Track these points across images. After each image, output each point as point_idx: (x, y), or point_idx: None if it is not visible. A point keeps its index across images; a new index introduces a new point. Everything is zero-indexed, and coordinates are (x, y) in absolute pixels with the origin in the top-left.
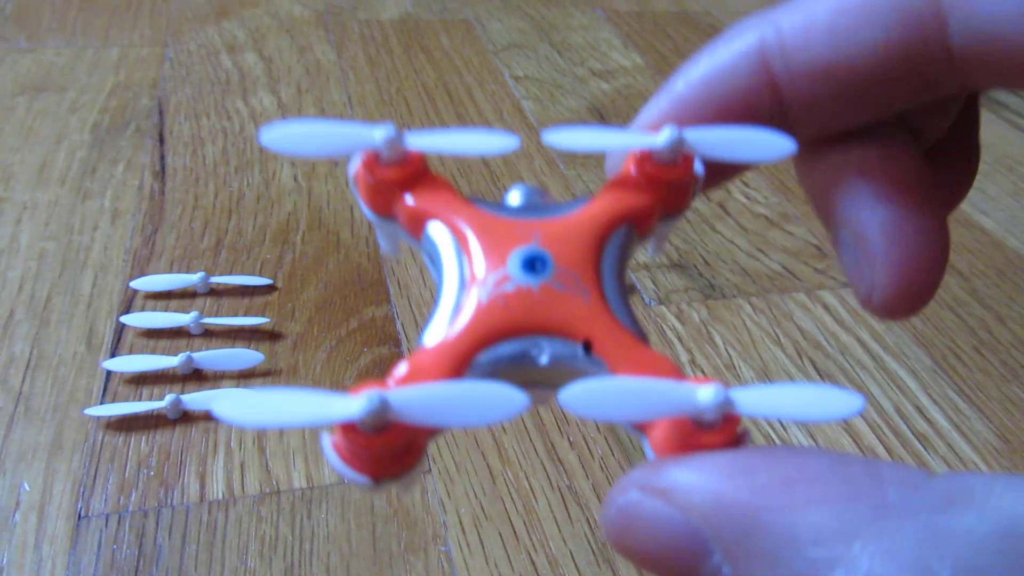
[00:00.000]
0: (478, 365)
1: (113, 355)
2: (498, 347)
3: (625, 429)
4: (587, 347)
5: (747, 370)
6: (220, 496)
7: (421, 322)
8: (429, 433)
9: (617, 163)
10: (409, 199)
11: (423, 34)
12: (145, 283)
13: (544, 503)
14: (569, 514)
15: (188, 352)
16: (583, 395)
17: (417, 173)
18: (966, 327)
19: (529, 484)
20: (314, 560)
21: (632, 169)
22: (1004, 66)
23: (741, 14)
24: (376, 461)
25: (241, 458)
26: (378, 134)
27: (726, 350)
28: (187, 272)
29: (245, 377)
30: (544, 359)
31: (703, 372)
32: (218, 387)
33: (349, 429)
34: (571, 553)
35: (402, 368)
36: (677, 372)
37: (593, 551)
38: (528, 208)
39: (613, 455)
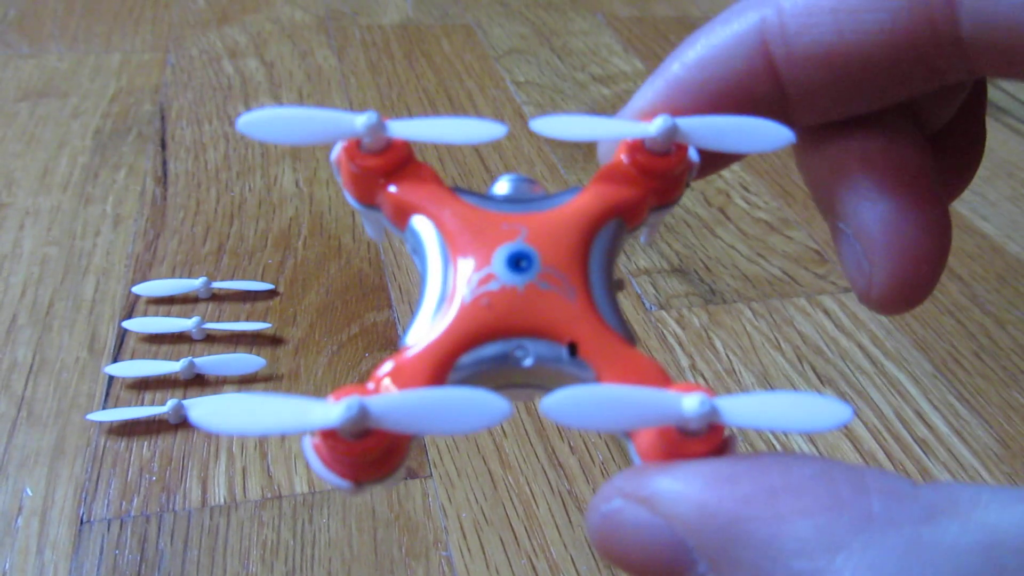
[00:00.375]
0: (461, 367)
1: (115, 360)
2: (481, 349)
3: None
4: (572, 349)
5: (747, 375)
6: (222, 501)
7: None
8: (411, 436)
9: (610, 150)
10: (393, 189)
11: (424, 39)
12: (147, 288)
13: (545, 508)
14: (570, 519)
15: (190, 357)
16: (565, 404)
17: (401, 161)
18: (966, 332)
19: (530, 489)
20: (315, 565)
21: (623, 158)
22: (1016, 55)
23: None
24: (357, 466)
25: (243, 463)
26: (359, 121)
27: (727, 355)
28: (189, 277)
29: (247, 382)
30: (528, 361)
31: (703, 377)
32: (220, 392)
33: (329, 435)
34: (572, 558)
35: (385, 368)
36: (663, 376)
37: (594, 556)
38: (515, 200)
39: (614, 460)
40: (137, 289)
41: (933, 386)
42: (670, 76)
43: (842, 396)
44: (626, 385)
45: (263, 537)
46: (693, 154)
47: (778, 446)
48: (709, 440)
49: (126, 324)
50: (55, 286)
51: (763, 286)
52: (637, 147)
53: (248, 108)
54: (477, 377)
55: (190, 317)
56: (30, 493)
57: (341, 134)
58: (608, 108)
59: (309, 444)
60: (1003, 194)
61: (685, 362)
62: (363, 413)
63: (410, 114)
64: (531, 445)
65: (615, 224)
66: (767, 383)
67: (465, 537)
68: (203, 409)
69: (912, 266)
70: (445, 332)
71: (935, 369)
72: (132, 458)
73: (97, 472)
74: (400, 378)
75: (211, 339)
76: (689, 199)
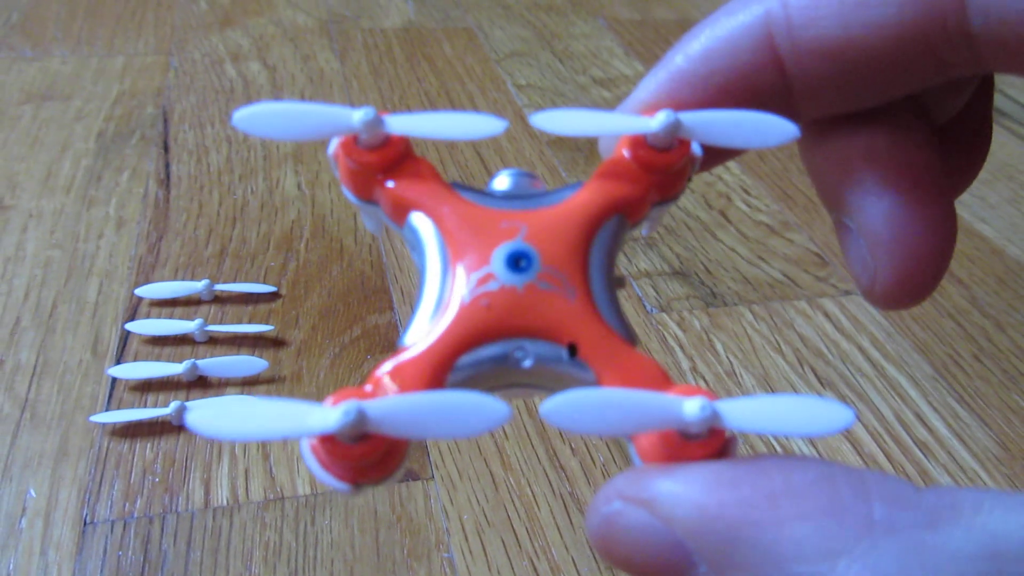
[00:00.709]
0: (460, 368)
1: (118, 362)
2: (480, 350)
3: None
4: (572, 350)
5: (748, 378)
6: (224, 502)
7: None
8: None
9: (611, 145)
10: (390, 185)
11: (426, 42)
12: (150, 291)
13: (546, 510)
14: (571, 521)
15: (193, 359)
16: (565, 409)
17: (399, 157)
18: (966, 335)
19: (531, 491)
20: (318, 566)
21: (625, 153)
22: None
23: None
24: (355, 469)
25: (245, 465)
26: (356, 116)
27: (727, 358)
28: (192, 280)
29: (249, 384)
30: (528, 362)
31: (704, 379)
32: (222, 394)
33: (327, 439)
34: (573, 560)
35: (384, 370)
36: (664, 377)
37: (595, 558)
38: (515, 196)
39: (615, 462)
40: (140, 291)
41: (933, 388)
42: (673, 68)
43: (842, 398)
44: (626, 388)
45: (266, 538)
46: (696, 148)
47: (778, 448)
48: (710, 443)
49: (129, 326)
50: (58, 288)
51: (764, 289)
52: (639, 142)
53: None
54: (476, 378)
55: (193, 319)
56: (34, 494)
57: (338, 129)
58: None
59: (307, 446)
60: (1003, 197)
61: (686, 364)
62: (361, 417)
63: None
64: (532, 447)
65: (616, 221)
66: (767, 385)
67: (467, 539)
68: (199, 414)
69: (916, 262)
70: (444, 333)
71: (935, 371)
72: (135, 459)
73: (100, 473)
74: (399, 380)
75: (214, 341)
76: (690, 202)
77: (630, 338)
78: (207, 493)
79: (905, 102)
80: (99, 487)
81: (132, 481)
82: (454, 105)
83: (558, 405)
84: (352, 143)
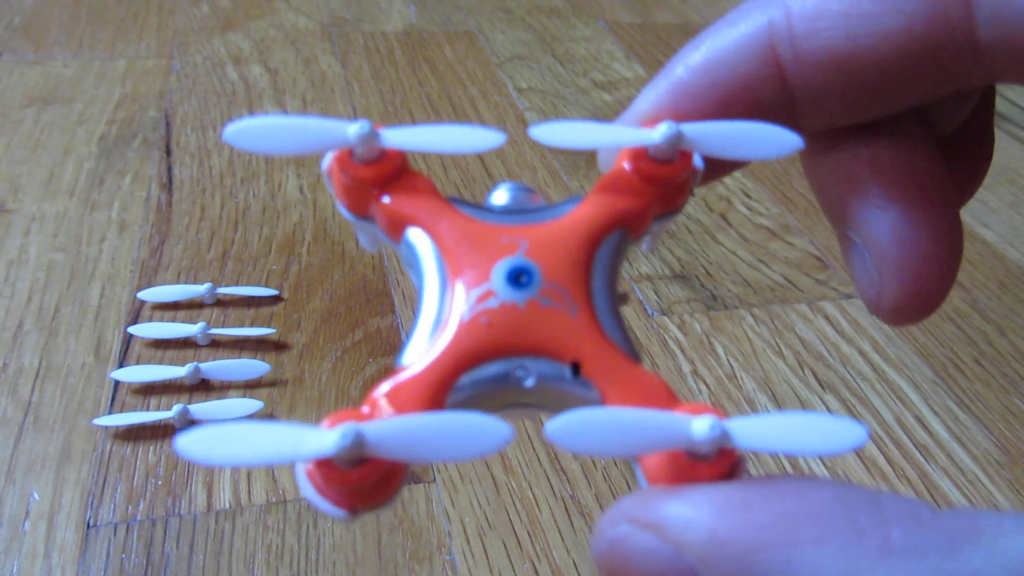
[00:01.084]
0: (460, 388)
1: (121, 365)
2: (481, 369)
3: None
4: (575, 369)
5: (748, 380)
6: (227, 505)
7: None
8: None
9: (611, 157)
10: (387, 200)
11: (427, 46)
12: (152, 294)
13: (548, 513)
14: (572, 524)
15: (195, 362)
16: (570, 429)
17: (395, 171)
18: (967, 338)
19: (533, 494)
20: (320, 569)
21: (626, 166)
22: None
23: None
24: (353, 495)
25: (247, 468)
26: (351, 130)
27: (728, 361)
28: (194, 283)
29: (252, 387)
30: (530, 382)
31: (705, 383)
32: (225, 397)
33: (324, 464)
34: (574, 563)
35: (382, 391)
36: (670, 395)
37: None
38: (514, 210)
39: (616, 465)
40: (143, 295)
41: (934, 392)
42: (674, 79)
43: (842, 402)
44: (633, 408)
45: (268, 541)
46: (698, 161)
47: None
48: (719, 463)
49: (132, 329)
50: (61, 292)
51: (764, 292)
52: (640, 154)
53: (252, 114)
54: (477, 398)
55: (195, 323)
56: (37, 497)
57: (332, 144)
58: (610, 114)
59: (303, 472)
60: (1004, 201)
61: (687, 368)
62: (359, 440)
63: (413, 120)
64: (534, 450)
65: (618, 235)
66: (768, 389)
67: (468, 542)
68: (191, 439)
69: (923, 276)
70: (443, 352)
71: (936, 375)
72: (138, 463)
73: (103, 476)
74: (397, 401)
75: (216, 344)
76: (691, 205)
77: (634, 355)
78: (210, 496)
79: (909, 114)
80: (102, 490)
81: (135, 484)
82: (455, 108)
83: (563, 426)
84: (347, 157)
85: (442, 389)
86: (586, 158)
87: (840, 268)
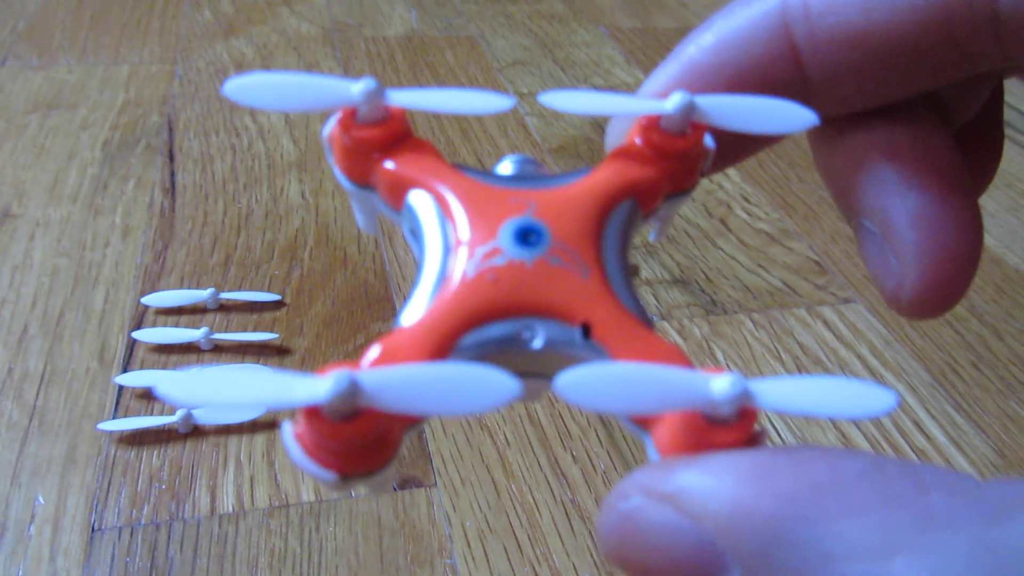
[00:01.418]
0: (462, 349)
1: (125, 370)
2: (486, 328)
3: (627, 427)
4: (586, 331)
5: None
6: (230, 509)
7: None
8: (404, 424)
9: (619, 134)
10: (389, 164)
11: (428, 51)
12: (156, 299)
13: (548, 517)
14: (572, 528)
15: (198, 367)
16: (582, 382)
17: (398, 135)
18: (964, 343)
19: (533, 498)
20: (322, 573)
21: (637, 138)
22: None
23: None
24: (344, 454)
25: (251, 472)
26: (356, 88)
27: (727, 365)
28: (197, 288)
29: None
30: (537, 343)
31: None
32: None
33: (313, 415)
34: (574, 567)
35: (374, 351)
36: (687, 361)
37: (596, 565)
38: (521, 178)
39: (616, 469)
40: (146, 300)
41: (931, 396)
42: (685, 59)
43: None
44: (649, 364)
45: (271, 545)
46: (709, 140)
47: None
48: (739, 429)
49: (135, 334)
50: (65, 297)
51: (763, 297)
52: (652, 126)
53: (254, 120)
54: (481, 361)
55: (198, 328)
56: (42, 501)
57: (336, 102)
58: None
59: (290, 432)
60: (1002, 205)
61: None
62: (354, 388)
63: (414, 124)
64: (534, 455)
65: (629, 205)
66: None
67: (469, 545)
68: (172, 381)
69: (947, 264)
70: (446, 308)
71: (933, 379)
72: (142, 467)
73: (108, 481)
74: (394, 357)
75: (219, 349)
76: (690, 210)
77: (647, 322)
78: (213, 500)
79: (924, 102)
80: (107, 494)
81: (139, 488)
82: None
83: (574, 379)
84: (350, 118)
85: (443, 347)
86: (587, 162)
87: (839, 273)
